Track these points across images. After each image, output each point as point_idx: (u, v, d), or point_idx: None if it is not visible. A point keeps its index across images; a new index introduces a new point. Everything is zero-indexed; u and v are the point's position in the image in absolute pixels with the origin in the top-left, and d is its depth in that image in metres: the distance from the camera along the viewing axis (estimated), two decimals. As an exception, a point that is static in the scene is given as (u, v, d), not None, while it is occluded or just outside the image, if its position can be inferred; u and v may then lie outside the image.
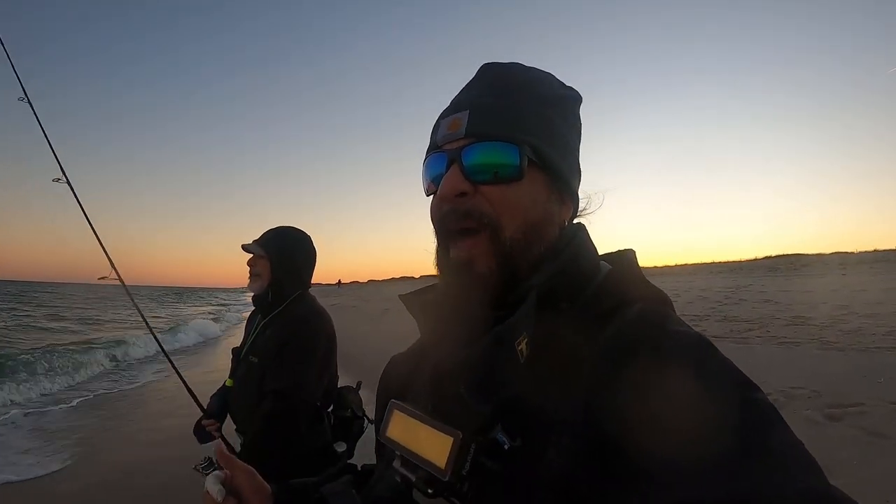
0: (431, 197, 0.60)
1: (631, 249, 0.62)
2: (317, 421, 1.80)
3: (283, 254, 1.86)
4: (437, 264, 0.59)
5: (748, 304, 10.21)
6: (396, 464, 0.52)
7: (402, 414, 0.54)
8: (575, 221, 0.62)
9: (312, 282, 1.98)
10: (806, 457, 0.37)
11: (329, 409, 1.86)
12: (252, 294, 1.91)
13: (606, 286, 0.55)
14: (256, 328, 1.89)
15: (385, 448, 0.59)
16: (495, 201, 0.54)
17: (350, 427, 1.87)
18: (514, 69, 0.60)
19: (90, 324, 17.47)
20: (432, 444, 0.48)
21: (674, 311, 0.54)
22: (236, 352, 1.95)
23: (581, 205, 0.63)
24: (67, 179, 2.11)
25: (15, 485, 3.77)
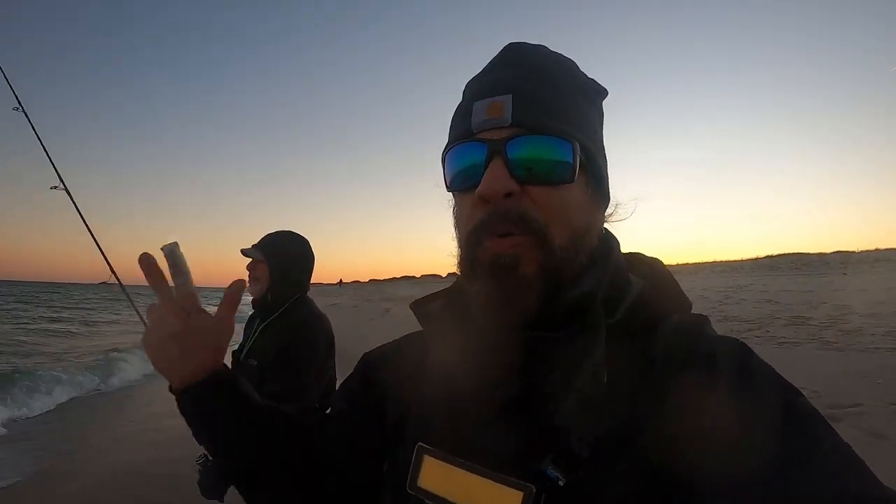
0: (455, 193, 0.52)
1: (655, 258, 0.57)
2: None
3: (282, 258, 1.88)
4: (464, 267, 0.51)
5: (748, 304, 10.18)
6: None
7: (440, 462, 0.47)
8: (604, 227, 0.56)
9: (313, 281, 2.00)
10: (855, 460, 0.36)
11: (327, 411, 1.87)
12: (251, 298, 1.93)
13: (643, 299, 0.50)
14: (255, 331, 1.91)
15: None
16: (543, 205, 0.46)
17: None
18: (547, 52, 0.53)
19: (92, 326, 17.48)
20: (493, 500, 0.43)
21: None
22: (235, 354, 1.97)
23: (608, 210, 0.56)
24: (66, 186, 2.08)
25: (14, 487, 3.78)
